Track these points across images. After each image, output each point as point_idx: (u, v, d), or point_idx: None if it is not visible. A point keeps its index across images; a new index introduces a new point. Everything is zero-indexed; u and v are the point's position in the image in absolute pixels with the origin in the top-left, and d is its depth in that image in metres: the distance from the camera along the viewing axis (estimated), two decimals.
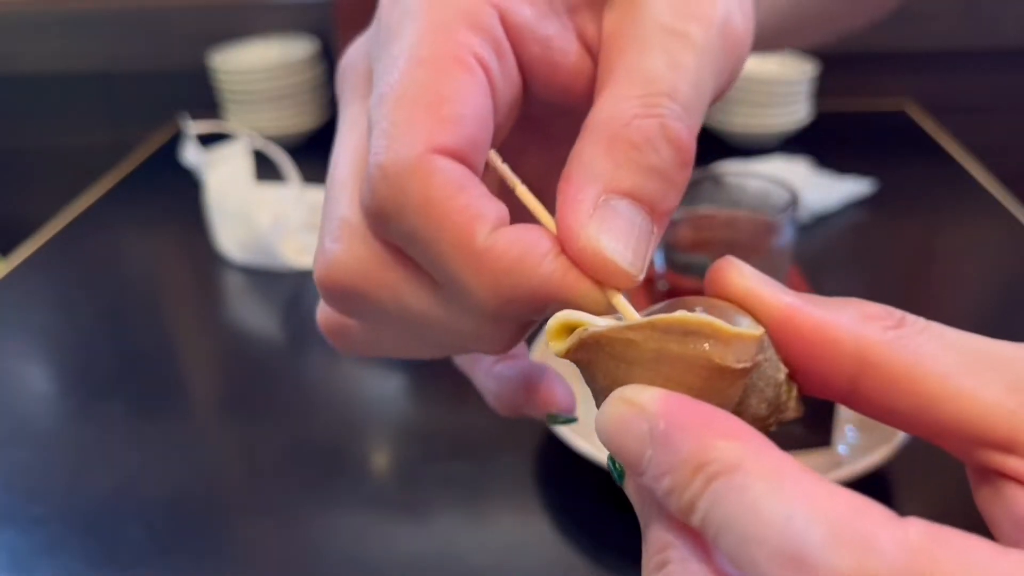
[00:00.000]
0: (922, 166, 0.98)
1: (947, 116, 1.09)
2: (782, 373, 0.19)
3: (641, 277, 0.19)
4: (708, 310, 0.18)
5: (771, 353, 0.19)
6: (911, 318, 0.18)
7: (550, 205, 0.20)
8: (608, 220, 0.19)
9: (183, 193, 0.89)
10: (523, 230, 0.19)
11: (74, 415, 0.63)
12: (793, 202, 0.53)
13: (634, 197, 0.19)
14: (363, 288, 0.20)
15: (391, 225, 0.19)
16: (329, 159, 0.22)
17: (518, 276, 0.19)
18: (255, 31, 1.15)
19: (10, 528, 0.52)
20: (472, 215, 0.18)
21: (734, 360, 0.18)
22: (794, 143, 1.00)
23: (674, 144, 0.19)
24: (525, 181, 0.21)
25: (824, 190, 0.87)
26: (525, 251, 0.19)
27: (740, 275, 0.19)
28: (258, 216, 0.78)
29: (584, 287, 0.19)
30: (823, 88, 1.06)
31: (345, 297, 0.21)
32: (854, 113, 1.12)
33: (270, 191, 0.86)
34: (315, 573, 0.48)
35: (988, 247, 0.83)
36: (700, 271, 0.53)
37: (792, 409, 0.20)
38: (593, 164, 0.19)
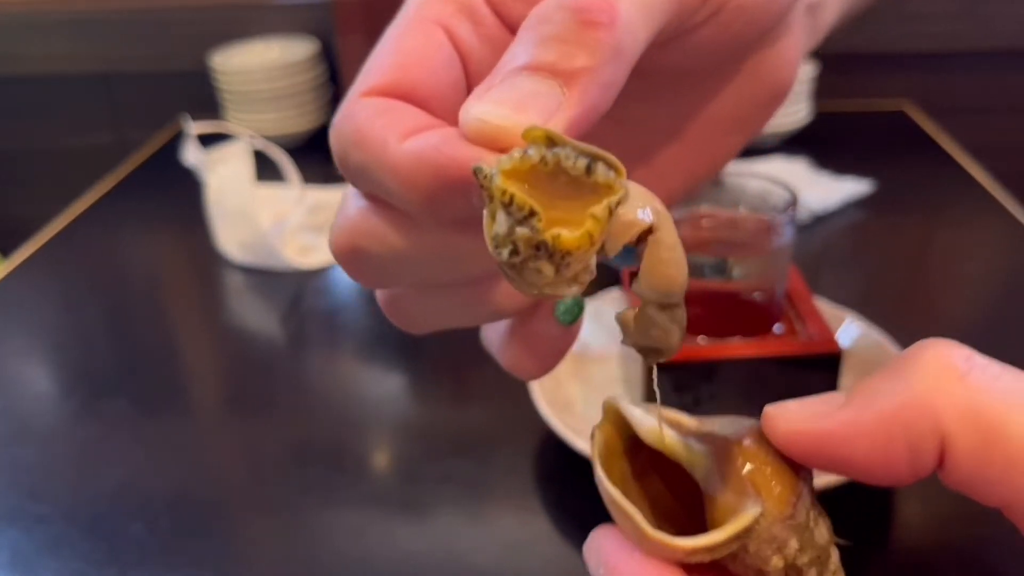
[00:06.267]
0: (921, 166, 0.98)
1: (946, 116, 1.09)
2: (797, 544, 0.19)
3: (533, 125, 0.18)
4: (754, 466, 0.19)
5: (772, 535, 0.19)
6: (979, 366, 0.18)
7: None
8: (493, 92, 0.19)
9: (184, 193, 0.89)
10: (431, 131, 0.19)
11: (76, 415, 0.63)
12: (793, 202, 0.53)
13: (528, 68, 0.19)
14: (358, 243, 0.21)
15: (347, 172, 0.21)
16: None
17: (421, 167, 0.19)
18: (255, 32, 1.15)
19: (13, 527, 0.52)
20: (386, 130, 0.19)
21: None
22: (793, 143, 1.00)
23: (568, 8, 0.19)
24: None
25: (823, 190, 0.87)
26: (424, 144, 0.19)
27: (777, 424, 0.19)
28: (258, 216, 0.78)
29: (466, 154, 0.18)
30: (822, 88, 1.06)
31: (350, 259, 0.22)
32: (853, 113, 1.12)
33: (270, 191, 0.87)
34: (315, 571, 0.49)
35: (987, 247, 0.83)
36: (700, 271, 0.54)
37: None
38: (502, 59, 0.20)
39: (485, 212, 0.17)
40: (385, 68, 0.21)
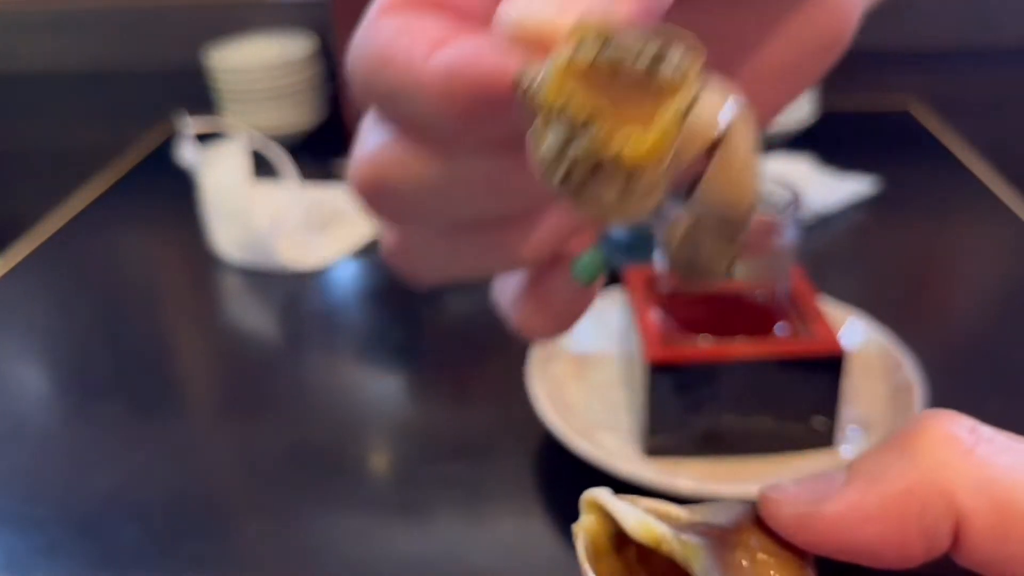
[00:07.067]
0: (927, 165, 0.97)
1: (952, 115, 1.08)
2: None
3: (571, 22, 0.16)
4: (755, 557, 0.18)
5: None
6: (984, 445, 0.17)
7: None
8: None
9: (180, 192, 0.88)
10: (463, 39, 0.17)
11: (71, 416, 0.63)
12: (796, 201, 0.52)
13: None
14: (381, 175, 0.19)
15: (371, 99, 0.19)
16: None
17: (455, 82, 0.16)
18: (252, 28, 1.15)
19: (7, 529, 0.52)
20: (412, 48, 0.17)
21: None
22: (797, 142, 1.00)
23: None
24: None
25: (827, 189, 0.86)
26: (456, 55, 0.16)
27: (778, 510, 0.18)
28: (256, 216, 0.77)
29: (506, 61, 0.16)
30: (827, 86, 1.05)
31: (372, 194, 0.20)
32: (858, 112, 1.11)
33: (268, 190, 0.86)
34: (314, 574, 0.48)
35: (993, 247, 0.82)
36: None
37: None
38: None
39: (531, 131, 0.15)
40: None
